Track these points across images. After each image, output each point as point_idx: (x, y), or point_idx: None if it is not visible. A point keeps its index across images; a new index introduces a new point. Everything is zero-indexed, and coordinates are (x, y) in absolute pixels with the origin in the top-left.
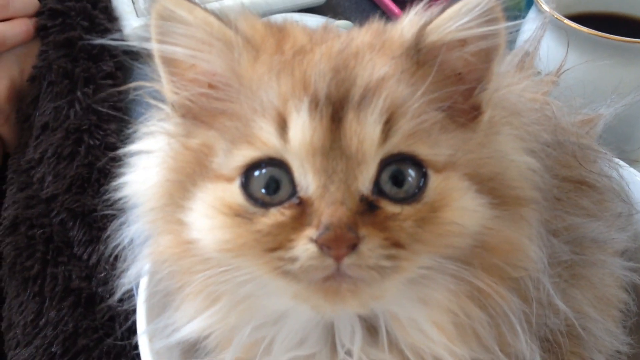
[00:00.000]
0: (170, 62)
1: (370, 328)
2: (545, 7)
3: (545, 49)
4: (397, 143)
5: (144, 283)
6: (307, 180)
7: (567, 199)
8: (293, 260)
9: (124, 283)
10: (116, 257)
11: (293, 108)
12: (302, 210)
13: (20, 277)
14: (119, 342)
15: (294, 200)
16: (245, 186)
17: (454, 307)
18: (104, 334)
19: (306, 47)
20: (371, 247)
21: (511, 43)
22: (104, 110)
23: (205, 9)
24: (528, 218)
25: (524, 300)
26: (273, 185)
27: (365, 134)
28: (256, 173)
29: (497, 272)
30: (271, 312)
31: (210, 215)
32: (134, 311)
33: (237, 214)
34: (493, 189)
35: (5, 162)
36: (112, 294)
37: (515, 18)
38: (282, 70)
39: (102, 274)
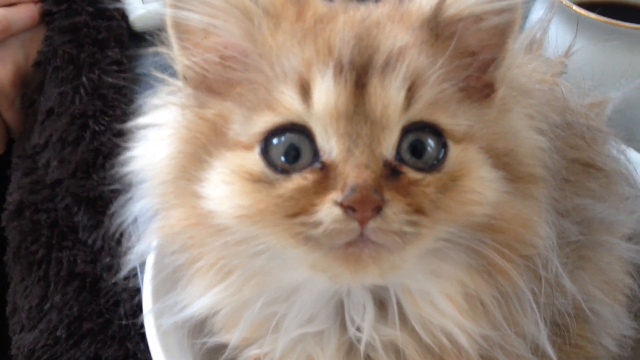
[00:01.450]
0: (184, 30)
1: (380, 305)
2: None
3: (554, 34)
4: (419, 111)
5: (150, 261)
6: (330, 144)
7: (575, 181)
8: (316, 224)
9: (130, 260)
10: (121, 235)
11: (317, 73)
12: (325, 174)
13: (25, 262)
14: (124, 322)
15: (317, 165)
16: (265, 153)
17: (466, 281)
18: (109, 318)
19: (327, 15)
20: (395, 211)
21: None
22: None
23: None
24: (538, 196)
25: (534, 279)
26: (293, 153)
27: (390, 98)
28: (275, 141)
29: (509, 248)
30: (284, 286)
31: (229, 182)
32: (139, 291)
33: (258, 179)
34: (507, 164)
35: (10, 148)
36: (117, 274)
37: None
38: (305, 37)
39: (107, 259)
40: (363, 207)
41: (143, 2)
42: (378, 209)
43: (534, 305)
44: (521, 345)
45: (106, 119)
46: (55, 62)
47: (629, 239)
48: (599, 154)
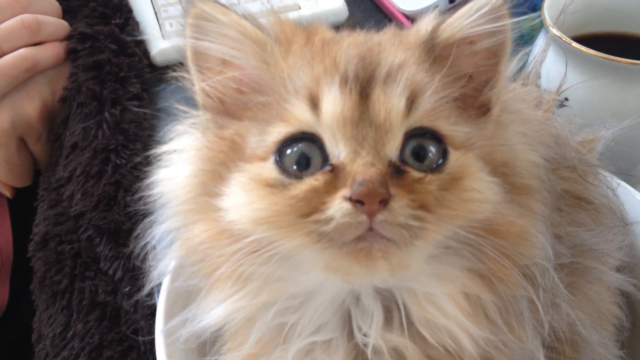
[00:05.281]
0: (203, 59)
1: (387, 312)
2: (551, 28)
3: (554, 71)
4: (419, 117)
5: (165, 282)
6: (338, 148)
7: (566, 211)
8: (328, 220)
9: (152, 278)
10: (145, 257)
11: (325, 85)
12: (335, 175)
13: (50, 291)
14: (142, 349)
15: (327, 168)
16: (279, 162)
17: (468, 284)
18: (128, 346)
19: (334, 39)
20: (401, 205)
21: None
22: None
23: (239, 13)
24: (534, 207)
25: (532, 290)
26: (303, 162)
27: (392, 104)
28: (288, 151)
29: (507, 256)
30: (298, 292)
31: (247, 189)
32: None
33: (273, 185)
34: (504, 174)
35: (37, 180)
36: (137, 293)
37: (531, 41)
38: (314, 57)
39: (127, 288)
40: (370, 199)
41: (164, 38)
42: (385, 202)
43: (533, 319)
44: (522, 352)
45: (127, 152)
46: (80, 98)
47: (618, 270)
48: (591, 184)
